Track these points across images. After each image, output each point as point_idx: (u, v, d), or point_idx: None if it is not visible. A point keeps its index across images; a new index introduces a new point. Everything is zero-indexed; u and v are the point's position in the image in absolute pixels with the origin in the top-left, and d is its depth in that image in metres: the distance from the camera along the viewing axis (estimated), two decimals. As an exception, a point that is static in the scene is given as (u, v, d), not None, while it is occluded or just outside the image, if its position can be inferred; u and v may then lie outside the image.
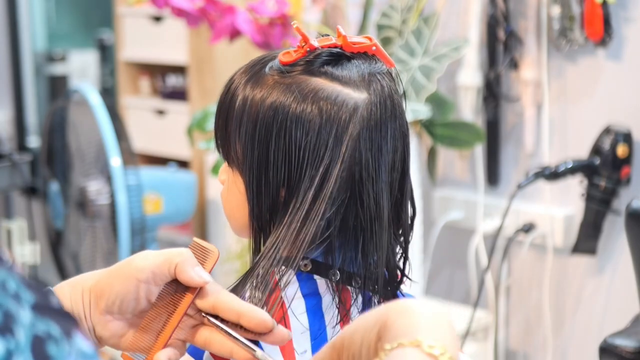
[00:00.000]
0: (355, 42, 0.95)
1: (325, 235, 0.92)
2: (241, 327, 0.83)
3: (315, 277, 0.94)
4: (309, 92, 0.92)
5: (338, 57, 0.95)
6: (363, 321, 0.73)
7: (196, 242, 0.88)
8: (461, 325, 2.20)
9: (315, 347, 0.92)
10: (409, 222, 0.98)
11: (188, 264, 0.84)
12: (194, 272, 0.84)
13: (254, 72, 0.96)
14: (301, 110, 0.91)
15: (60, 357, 0.54)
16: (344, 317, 0.94)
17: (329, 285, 0.94)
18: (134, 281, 0.85)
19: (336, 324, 0.94)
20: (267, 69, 0.95)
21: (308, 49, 0.95)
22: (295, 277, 0.94)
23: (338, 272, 0.93)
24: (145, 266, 0.84)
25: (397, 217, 0.97)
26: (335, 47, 0.95)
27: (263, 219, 0.94)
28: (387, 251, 0.95)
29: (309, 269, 0.94)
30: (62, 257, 2.86)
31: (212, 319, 0.84)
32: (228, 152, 0.96)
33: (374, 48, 0.96)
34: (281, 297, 0.92)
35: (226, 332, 0.83)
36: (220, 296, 0.85)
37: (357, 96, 0.92)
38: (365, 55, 0.96)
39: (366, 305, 0.96)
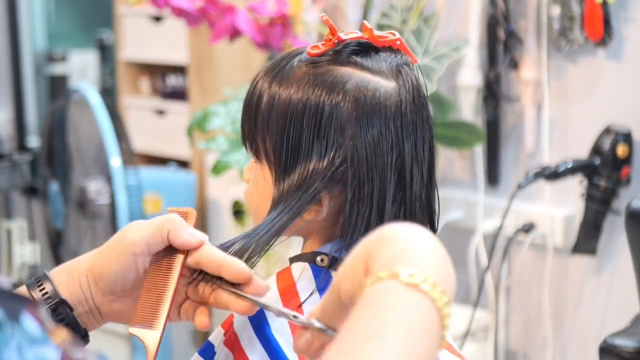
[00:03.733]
0: (380, 35, 0.96)
1: (352, 228, 0.92)
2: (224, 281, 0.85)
3: (332, 272, 0.94)
4: (339, 82, 0.92)
5: (366, 48, 0.95)
6: (351, 257, 0.71)
7: (170, 210, 0.89)
8: (461, 325, 2.20)
9: None
10: (437, 218, 0.98)
11: (180, 228, 0.86)
12: (187, 235, 0.86)
13: (280, 67, 0.96)
14: (331, 100, 0.92)
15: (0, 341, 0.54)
16: None
17: None
18: (130, 257, 0.86)
19: None
20: (295, 62, 0.95)
21: (336, 41, 0.95)
22: (311, 272, 0.94)
23: None
24: (138, 239, 0.85)
25: (428, 212, 0.97)
26: (362, 39, 0.96)
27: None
28: None
29: (325, 264, 0.94)
30: (62, 257, 2.86)
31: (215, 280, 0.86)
32: (257, 149, 0.97)
33: (398, 42, 0.97)
34: (297, 291, 0.93)
35: (219, 285, 0.86)
36: (202, 250, 0.86)
37: (387, 84, 0.93)
38: (391, 48, 0.97)
39: None
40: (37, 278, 0.88)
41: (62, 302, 0.87)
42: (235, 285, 0.85)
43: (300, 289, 0.94)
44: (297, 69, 0.95)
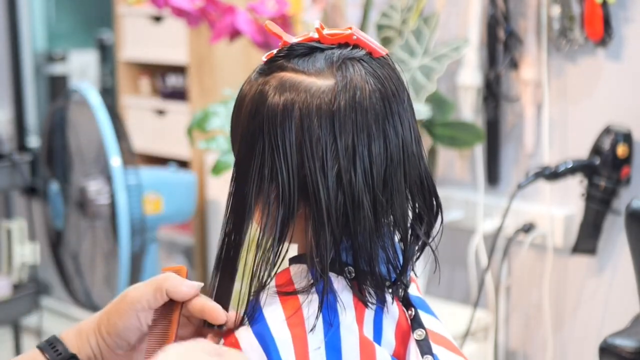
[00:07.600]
0: (333, 34, 0.96)
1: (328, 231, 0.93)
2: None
3: (331, 274, 0.94)
4: (277, 87, 0.94)
5: (311, 50, 0.96)
6: None
7: (165, 269, 0.99)
8: (461, 325, 2.20)
9: (328, 344, 0.91)
10: (428, 217, 1.00)
11: (177, 283, 0.96)
12: (185, 287, 0.96)
13: (251, 76, 1.01)
14: (270, 104, 0.94)
15: None
16: (358, 314, 0.94)
17: (346, 282, 0.94)
18: (132, 313, 0.96)
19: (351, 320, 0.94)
20: (258, 69, 1.00)
21: (284, 46, 0.98)
22: (309, 274, 0.94)
23: (353, 269, 0.94)
24: (139, 297, 0.96)
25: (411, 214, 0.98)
26: (312, 40, 0.97)
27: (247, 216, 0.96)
28: (378, 249, 0.95)
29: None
30: (62, 257, 2.86)
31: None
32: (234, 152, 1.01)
33: (354, 37, 0.96)
34: (295, 293, 0.93)
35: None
36: (194, 300, 0.97)
37: (321, 83, 0.93)
38: (345, 45, 0.96)
39: (379, 303, 0.96)
40: (49, 340, 0.98)
41: (72, 357, 0.97)
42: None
43: (298, 285, 0.94)
44: (254, 74, 0.99)
